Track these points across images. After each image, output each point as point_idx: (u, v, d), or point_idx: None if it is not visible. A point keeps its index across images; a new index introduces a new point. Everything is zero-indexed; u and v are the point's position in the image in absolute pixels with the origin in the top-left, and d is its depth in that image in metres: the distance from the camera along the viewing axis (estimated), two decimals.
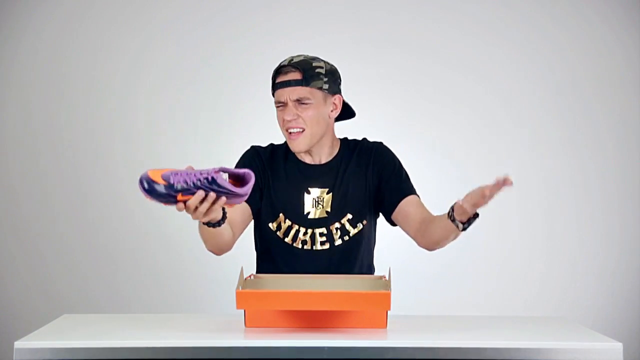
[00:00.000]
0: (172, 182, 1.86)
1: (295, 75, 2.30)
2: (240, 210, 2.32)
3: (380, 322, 1.95)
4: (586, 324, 2.22)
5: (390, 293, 1.89)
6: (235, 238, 2.31)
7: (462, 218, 2.08)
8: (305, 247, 2.34)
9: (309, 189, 2.37)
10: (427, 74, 3.82)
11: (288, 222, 2.35)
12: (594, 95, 3.84)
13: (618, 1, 3.83)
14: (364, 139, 2.46)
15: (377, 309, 1.92)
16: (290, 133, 2.33)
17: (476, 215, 2.09)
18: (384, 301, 1.89)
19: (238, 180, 1.92)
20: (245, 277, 2.13)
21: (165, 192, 1.86)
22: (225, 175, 1.90)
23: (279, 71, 2.33)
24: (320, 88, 2.32)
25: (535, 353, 1.77)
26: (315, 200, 2.36)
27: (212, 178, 1.86)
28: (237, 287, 1.97)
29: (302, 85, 2.30)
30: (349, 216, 2.36)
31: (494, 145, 3.83)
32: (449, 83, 3.81)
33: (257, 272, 2.44)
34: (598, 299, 3.81)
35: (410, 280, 3.63)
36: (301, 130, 2.31)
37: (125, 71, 3.79)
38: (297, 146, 2.33)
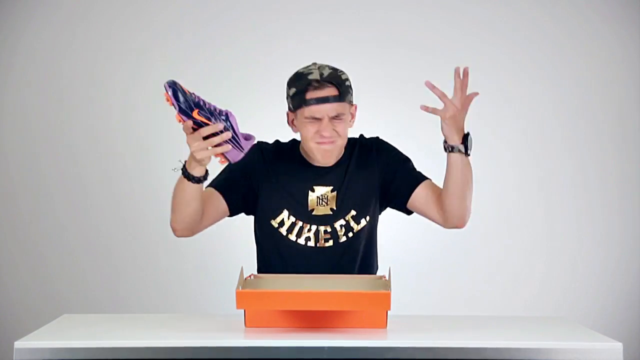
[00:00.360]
0: (194, 96, 2.00)
1: (332, 91, 2.28)
2: (216, 201, 2.32)
3: (380, 322, 1.95)
4: (586, 324, 2.22)
5: (390, 293, 1.90)
6: (202, 224, 2.30)
7: (455, 139, 2.18)
8: (309, 243, 2.34)
9: (314, 187, 2.37)
10: (427, 74, 3.79)
11: (292, 219, 2.35)
12: (594, 95, 3.84)
13: (618, 1, 3.83)
14: (361, 136, 2.46)
15: (377, 309, 1.92)
16: (320, 146, 2.30)
17: (467, 135, 2.19)
18: (384, 301, 1.89)
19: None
20: (245, 277, 2.13)
21: (187, 100, 1.99)
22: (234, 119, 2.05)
23: (309, 85, 2.27)
24: (350, 102, 2.33)
25: (535, 353, 1.77)
26: (320, 198, 2.36)
27: (227, 115, 2.01)
28: (237, 287, 1.97)
29: (339, 101, 2.28)
30: (353, 213, 2.36)
31: (493, 145, 3.83)
32: (449, 83, 3.80)
33: (259, 269, 2.43)
34: (598, 299, 3.82)
35: (410, 280, 3.63)
36: (332, 142, 2.30)
37: (125, 71, 3.79)
38: (329, 159, 2.33)
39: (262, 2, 3.82)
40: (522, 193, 3.84)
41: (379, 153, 2.41)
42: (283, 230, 2.35)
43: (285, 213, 2.35)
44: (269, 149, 2.42)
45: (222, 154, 2.06)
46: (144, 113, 3.79)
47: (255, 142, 2.12)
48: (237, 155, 2.06)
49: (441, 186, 2.33)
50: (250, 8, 3.81)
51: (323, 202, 2.36)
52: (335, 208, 2.35)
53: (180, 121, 2.02)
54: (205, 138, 2.05)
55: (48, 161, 3.77)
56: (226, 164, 2.11)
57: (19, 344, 1.77)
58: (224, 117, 2.01)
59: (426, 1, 3.84)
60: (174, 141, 3.80)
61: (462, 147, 2.19)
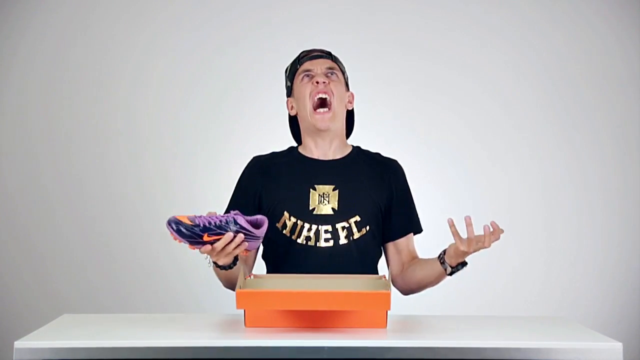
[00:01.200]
0: (197, 222, 2.00)
1: (323, 53, 2.43)
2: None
3: (380, 322, 1.95)
4: (586, 324, 2.22)
5: (390, 293, 1.89)
6: (250, 271, 2.40)
7: (452, 262, 2.22)
8: (308, 243, 2.33)
9: (315, 185, 2.37)
10: (427, 75, 3.82)
11: (293, 220, 2.34)
12: (594, 95, 3.84)
13: (618, 1, 3.83)
14: (378, 154, 2.49)
15: (377, 309, 1.92)
16: (317, 110, 2.35)
17: (464, 264, 2.25)
18: (384, 301, 1.89)
19: (253, 225, 2.06)
20: (245, 277, 2.13)
21: (192, 232, 1.99)
22: (242, 219, 2.04)
23: (301, 53, 2.43)
24: (343, 73, 2.43)
25: (535, 353, 1.77)
26: (321, 196, 2.35)
27: (234, 219, 2.01)
28: (237, 287, 1.97)
29: (330, 59, 2.42)
30: (357, 218, 2.35)
31: (494, 146, 3.83)
32: (449, 84, 3.81)
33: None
34: (598, 299, 3.81)
35: None
36: (328, 107, 2.34)
37: (127, 71, 3.79)
38: (323, 122, 2.35)
39: (265, 2, 3.83)
40: (522, 193, 3.84)
41: (394, 176, 2.44)
42: (286, 232, 2.35)
43: (285, 214, 2.35)
44: (263, 159, 2.45)
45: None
46: (145, 114, 3.79)
47: (266, 220, 2.11)
48: (255, 244, 2.09)
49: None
50: (251, 8, 3.81)
51: (324, 201, 2.35)
52: (336, 208, 2.35)
53: (194, 249, 2.04)
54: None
55: (48, 161, 3.76)
56: (247, 254, 2.20)
57: (19, 344, 1.77)
58: (232, 223, 2.02)
59: (426, 2, 3.85)
60: (175, 142, 3.82)
61: (450, 270, 2.27)
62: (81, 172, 3.77)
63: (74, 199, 3.76)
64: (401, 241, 2.42)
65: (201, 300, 3.75)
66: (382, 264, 2.48)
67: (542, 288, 3.82)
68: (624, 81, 3.83)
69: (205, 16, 3.81)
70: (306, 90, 2.36)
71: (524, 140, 3.85)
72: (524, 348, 1.78)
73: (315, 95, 2.34)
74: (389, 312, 1.95)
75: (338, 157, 2.41)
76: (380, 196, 2.38)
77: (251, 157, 2.47)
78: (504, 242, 3.82)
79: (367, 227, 2.35)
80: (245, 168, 2.45)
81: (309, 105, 2.35)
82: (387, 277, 2.13)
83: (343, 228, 2.34)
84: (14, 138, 3.77)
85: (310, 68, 2.39)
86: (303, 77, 2.39)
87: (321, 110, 2.34)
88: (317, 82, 2.35)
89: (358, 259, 2.35)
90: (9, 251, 3.76)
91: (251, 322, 1.96)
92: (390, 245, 2.43)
